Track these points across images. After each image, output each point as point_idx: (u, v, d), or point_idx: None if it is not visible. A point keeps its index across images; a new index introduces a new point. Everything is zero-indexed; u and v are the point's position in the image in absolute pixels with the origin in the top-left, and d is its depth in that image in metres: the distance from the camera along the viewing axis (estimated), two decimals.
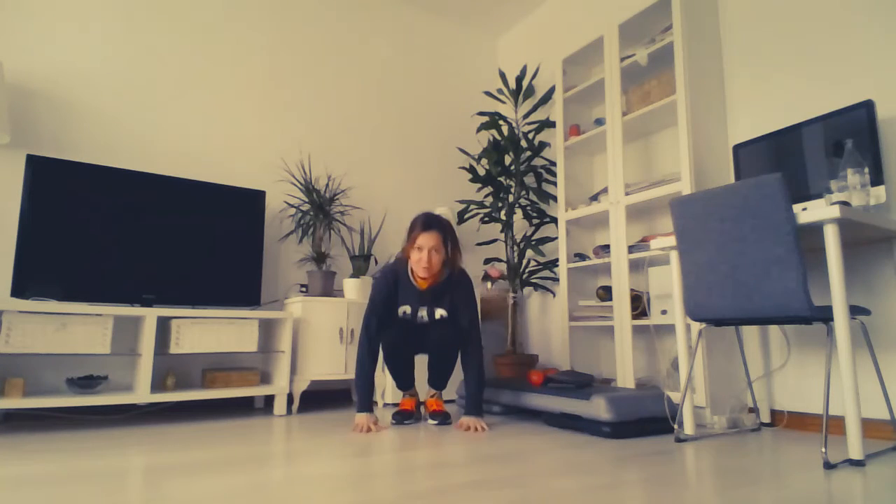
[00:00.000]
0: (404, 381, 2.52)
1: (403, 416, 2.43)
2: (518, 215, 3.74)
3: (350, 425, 2.34)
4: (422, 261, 2.28)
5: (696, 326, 2.36)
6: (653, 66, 2.90)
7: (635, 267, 2.93)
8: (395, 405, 3.01)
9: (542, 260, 3.69)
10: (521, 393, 2.47)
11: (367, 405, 2.27)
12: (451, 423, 2.43)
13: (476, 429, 2.21)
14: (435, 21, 4.19)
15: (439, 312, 2.39)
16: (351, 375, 2.91)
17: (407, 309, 2.39)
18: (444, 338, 2.36)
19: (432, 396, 2.56)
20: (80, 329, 2.27)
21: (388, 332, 2.38)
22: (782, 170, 2.25)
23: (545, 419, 2.38)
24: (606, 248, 2.95)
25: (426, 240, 2.28)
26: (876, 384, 2.04)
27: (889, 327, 2.04)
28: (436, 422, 2.41)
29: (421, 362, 3.03)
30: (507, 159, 3.86)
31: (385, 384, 3.01)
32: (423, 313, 2.40)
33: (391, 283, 2.39)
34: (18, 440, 1.98)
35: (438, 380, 2.51)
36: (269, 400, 3.02)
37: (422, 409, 2.72)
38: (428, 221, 2.31)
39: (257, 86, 3.36)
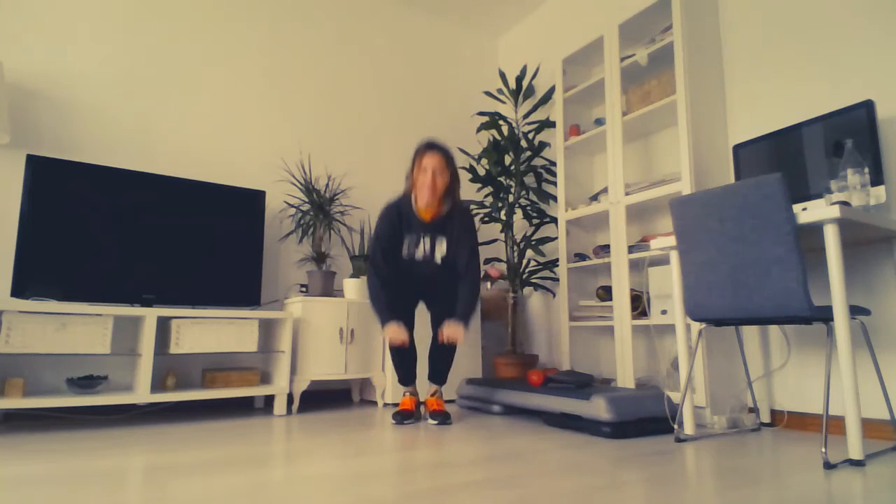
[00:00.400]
0: (406, 372, 2.54)
1: (403, 416, 2.43)
2: (518, 215, 3.74)
3: (350, 424, 2.34)
4: (426, 183, 2.31)
5: (696, 326, 2.36)
6: (653, 66, 2.90)
7: (635, 267, 2.93)
8: (396, 405, 3.01)
9: (542, 260, 3.69)
10: (521, 393, 2.47)
11: (392, 316, 2.34)
12: (451, 422, 2.43)
13: (449, 340, 2.28)
14: (435, 21, 4.19)
15: (440, 248, 2.41)
16: (351, 375, 2.91)
17: (412, 239, 2.41)
18: (445, 279, 2.42)
19: (433, 395, 2.56)
20: (80, 329, 2.27)
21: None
22: (782, 170, 2.25)
23: (545, 419, 2.38)
24: (606, 248, 2.95)
25: (430, 161, 2.33)
26: (876, 384, 2.04)
27: (889, 327, 2.04)
28: (436, 421, 2.41)
29: (422, 359, 3.03)
30: (507, 159, 3.86)
31: (385, 384, 3.01)
32: (426, 244, 2.41)
33: (394, 217, 2.42)
34: (18, 440, 1.98)
35: (440, 362, 2.53)
36: (269, 400, 3.02)
37: (422, 408, 2.72)
38: (431, 144, 2.37)
39: (257, 86, 3.36)
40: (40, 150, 2.69)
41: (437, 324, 2.53)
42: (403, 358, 2.53)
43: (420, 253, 2.41)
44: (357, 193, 3.62)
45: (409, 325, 2.52)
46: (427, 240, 2.42)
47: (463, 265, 2.43)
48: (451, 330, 2.32)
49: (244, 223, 2.93)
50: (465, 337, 2.27)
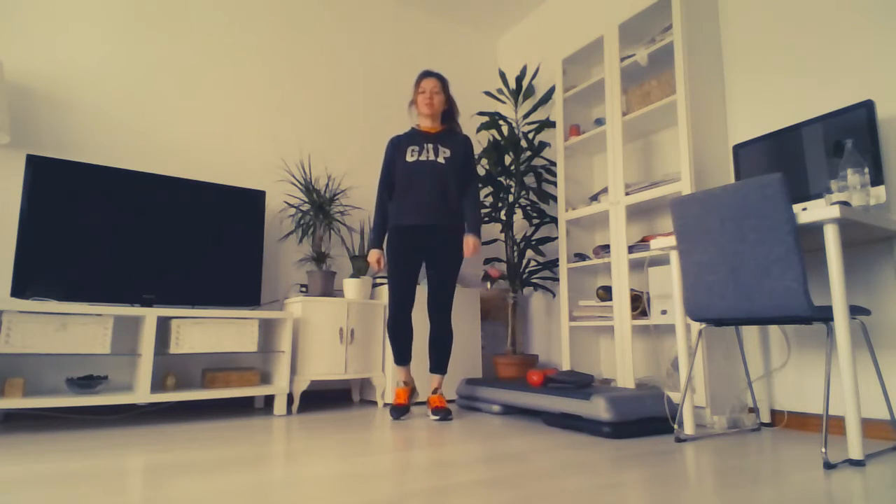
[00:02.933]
0: (401, 349, 2.60)
1: (400, 412, 2.49)
2: (518, 215, 3.74)
3: (350, 424, 2.35)
4: (425, 99, 2.64)
5: (696, 326, 2.36)
6: (653, 66, 2.90)
7: (635, 267, 2.93)
8: None
9: (542, 260, 3.69)
10: (521, 393, 2.47)
11: (378, 243, 2.67)
12: (452, 418, 2.45)
13: (475, 249, 2.58)
14: (435, 21, 4.19)
15: (444, 152, 2.63)
16: (351, 375, 2.91)
17: (415, 148, 2.64)
18: (445, 190, 2.61)
19: (434, 393, 2.58)
20: (80, 329, 2.27)
21: (391, 300, 2.58)
22: (782, 170, 2.25)
23: (545, 419, 2.38)
24: (606, 248, 2.95)
25: (427, 83, 2.67)
26: (876, 384, 2.05)
27: (889, 327, 2.04)
28: (437, 417, 2.46)
29: (423, 359, 3.03)
30: (507, 159, 3.86)
31: (385, 384, 3.01)
32: (429, 149, 2.63)
33: (397, 141, 2.71)
34: (18, 440, 1.98)
35: (439, 350, 2.60)
36: (269, 400, 3.02)
37: (423, 407, 2.73)
38: (428, 71, 2.72)
39: (257, 86, 3.36)
40: (40, 150, 2.69)
41: (435, 303, 2.58)
42: (400, 334, 2.57)
43: (424, 155, 2.62)
44: (357, 193, 3.62)
45: (409, 304, 2.59)
46: (430, 146, 2.64)
47: (465, 184, 2.69)
48: (470, 243, 2.58)
49: (244, 223, 2.93)
50: (479, 246, 2.60)
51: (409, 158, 2.62)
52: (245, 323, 2.64)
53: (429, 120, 2.69)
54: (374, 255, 2.65)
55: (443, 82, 2.71)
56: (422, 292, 3.13)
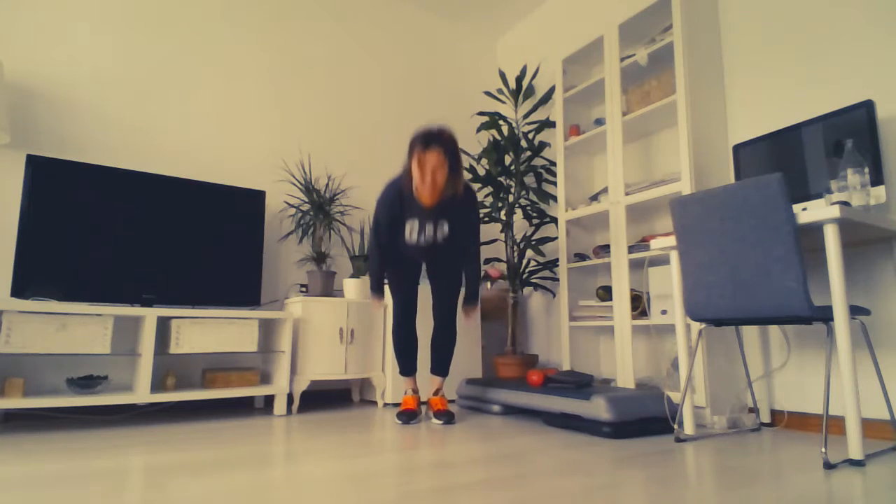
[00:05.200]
0: (407, 361, 2.58)
1: (409, 416, 2.44)
2: (518, 215, 3.74)
3: (350, 424, 2.35)
4: (425, 182, 2.20)
5: (696, 326, 2.36)
6: (653, 66, 2.90)
7: (635, 267, 2.93)
8: (396, 405, 3.01)
9: (542, 260, 3.69)
10: (521, 393, 2.47)
11: (379, 288, 2.53)
12: (455, 422, 2.44)
13: (472, 317, 2.57)
14: (435, 21, 4.19)
15: (442, 230, 2.37)
16: (351, 375, 2.91)
17: (414, 224, 2.35)
18: (446, 253, 2.47)
19: (436, 394, 2.57)
20: (80, 329, 2.27)
21: (394, 308, 2.55)
22: (782, 170, 2.25)
23: (545, 419, 2.38)
24: (606, 248, 2.95)
25: (430, 158, 2.17)
26: (876, 384, 2.04)
27: (889, 327, 2.04)
28: (441, 421, 2.43)
29: (424, 354, 3.03)
30: (507, 159, 3.86)
31: (385, 384, 3.01)
32: (427, 229, 2.37)
33: (395, 201, 2.34)
34: (18, 440, 1.98)
35: (442, 351, 2.57)
36: (269, 400, 3.02)
37: (423, 408, 2.72)
38: (428, 139, 2.18)
39: (257, 86, 3.36)
40: (40, 150, 2.69)
41: (438, 304, 2.57)
42: (405, 344, 2.56)
43: (422, 237, 2.38)
44: (357, 193, 3.62)
45: (412, 311, 2.57)
46: (430, 225, 2.37)
47: (466, 246, 2.49)
48: (469, 312, 2.55)
49: (244, 223, 2.93)
50: (477, 313, 2.58)
51: (408, 238, 2.38)
52: (245, 323, 2.64)
53: (429, 197, 2.27)
54: (378, 306, 2.55)
55: (446, 150, 2.20)
56: (422, 291, 3.13)
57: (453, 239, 2.43)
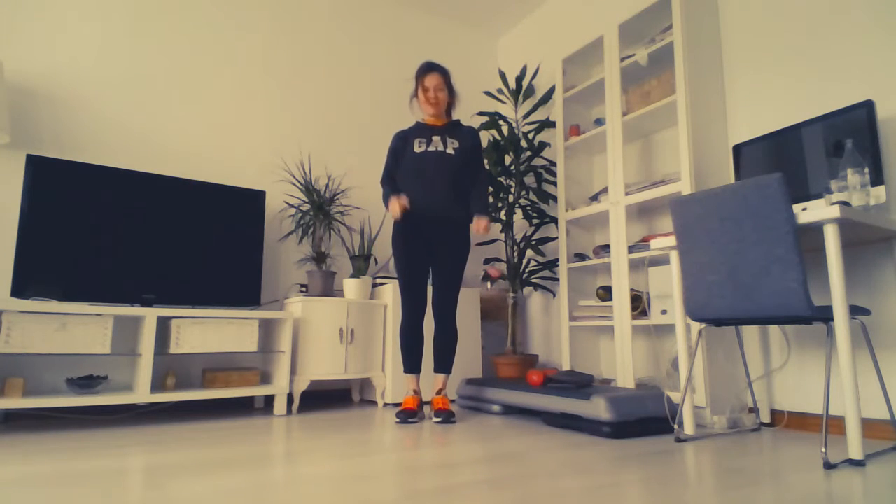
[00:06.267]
0: (413, 357, 2.59)
1: (408, 415, 2.44)
2: (518, 215, 3.74)
3: (350, 424, 2.34)
4: (429, 98, 2.63)
5: (696, 326, 2.36)
6: (653, 66, 2.90)
7: (635, 267, 2.93)
8: (396, 405, 3.01)
9: (542, 260, 3.69)
10: (521, 393, 2.47)
11: (395, 191, 2.63)
12: (455, 421, 2.45)
13: (486, 228, 2.58)
14: (435, 21, 4.19)
15: (452, 143, 2.63)
16: (351, 375, 2.91)
17: (422, 140, 2.63)
18: (453, 182, 2.61)
19: (438, 394, 2.58)
20: (80, 329, 2.27)
21: (403, 307, 2.60)
22: (782, 170, 2.25)
23: (545, 419, 2.38)
24: (606, 248, 2.95)
25: (431, 80, 2.64)
26: (876, 384, 2.04)
27: (889, 327, 2.04)
28: (440, 419, 2.44)
29: (427, 355, 3.03)
30: (508, 159, 3.86)
31: (385, 384, 3.01)
32: (437, 140, 2.62)
33: (407, 133, 2.70)
34: (18, 440, 1.98)
35: (444, 349, 2.59)
36: (269, 400, 3.02)
37: (426, 408, 2.72)
38: (428, 66, 2.66)
39: (257, 85, 3.36)
40: (40, 150, 2.69)
41: (439, 304, 2.59)
42: (412, 342, 2.57)
43: (433, 146, 2.60)
44: (357, 193, 3.62)
45: (421, 311, 2.60)
46: (437, 138, 2.63)
47: (475, 173, 2.69)
48: (480, 223, 2.59)
49: (244, 223, 2.93)
50: (490, 226, 2.60)
51: (417, 149, 2.60)
52: (245, 323, 2.64)
53: (434, 116, 2.68)
54: (397, 203, 2.54)
55: (445, 77, 2.68)
56: None
57: (460, 160, 2.61)
